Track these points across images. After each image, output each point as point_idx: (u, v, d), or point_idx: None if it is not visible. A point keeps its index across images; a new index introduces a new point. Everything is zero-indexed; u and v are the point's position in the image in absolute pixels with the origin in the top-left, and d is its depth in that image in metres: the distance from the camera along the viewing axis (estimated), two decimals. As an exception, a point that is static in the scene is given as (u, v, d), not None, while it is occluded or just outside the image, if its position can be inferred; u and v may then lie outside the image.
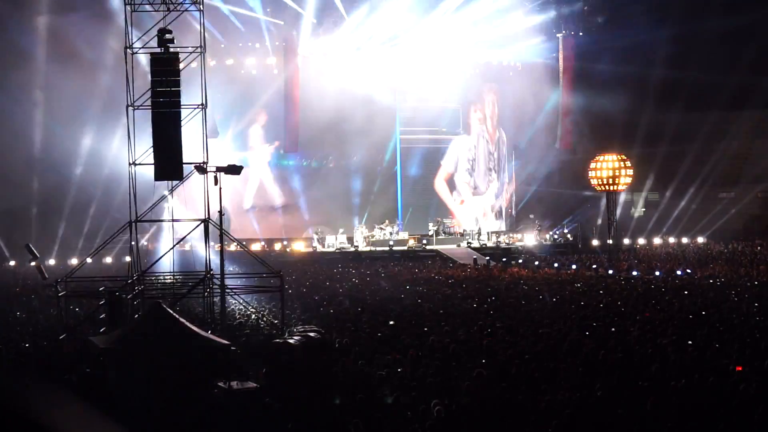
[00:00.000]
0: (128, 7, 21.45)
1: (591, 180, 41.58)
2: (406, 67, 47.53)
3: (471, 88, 49.80)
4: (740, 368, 13.37)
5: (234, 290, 21.29)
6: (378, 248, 42.33)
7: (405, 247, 42.64)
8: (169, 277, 21.84)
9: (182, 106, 20.60)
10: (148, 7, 21.80)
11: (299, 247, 43.40)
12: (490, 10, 46.24)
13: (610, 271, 32.52)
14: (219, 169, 20.38)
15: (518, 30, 47.94)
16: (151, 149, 20.52)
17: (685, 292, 24.53)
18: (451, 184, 50.14)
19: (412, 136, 49.06)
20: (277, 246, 43.46)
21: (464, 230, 45.99)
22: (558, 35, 49.56)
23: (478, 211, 50.11)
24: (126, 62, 21.14)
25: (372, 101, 45.47)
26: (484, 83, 50.44)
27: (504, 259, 38.99)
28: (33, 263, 23.12)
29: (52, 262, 38.47)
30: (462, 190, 50.37)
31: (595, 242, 44.99)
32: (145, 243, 38.25)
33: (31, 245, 22.92)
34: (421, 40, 46.75)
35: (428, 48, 47.06)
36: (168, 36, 20.40)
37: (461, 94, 49.35)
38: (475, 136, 50.40)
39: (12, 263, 39.49)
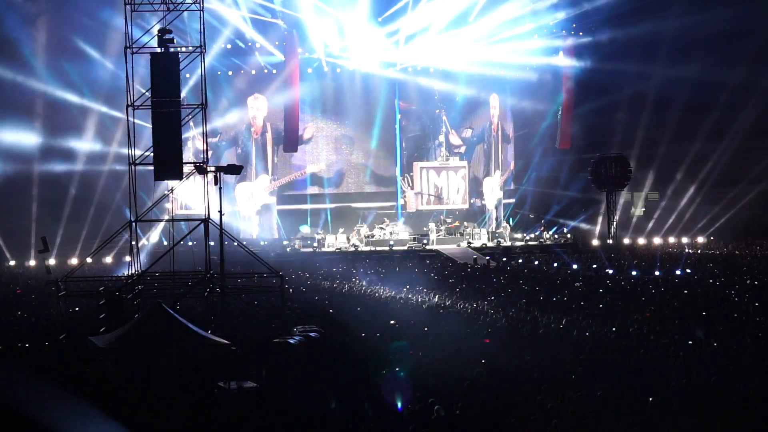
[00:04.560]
0: (128, 7, 21.45)
1: (591, 180, 41.56)
2: (406, 67, 47.68)
3: (472, 87, 49.75)
4: None
5: (234, 290, 21.27)
6: (378, 248, 42.31)
7: (405, 247, 42.62)
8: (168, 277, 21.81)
9: (182, 106, 20.60)
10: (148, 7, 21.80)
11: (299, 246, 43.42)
12: (493, 12, 46.28)
13: (610, 271, 32.48)
14: (219, 169, 20.36)
15: (519, 29, 47.84)
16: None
17: (685, 292, 24.52)
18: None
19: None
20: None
21: (464, 227, 45.83)
22: (559, 35, 49.45)
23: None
24: (126, 62, 21.13)
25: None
26: (485, 83, 50.33)
27: (504, 259, 38.95)
28: (41, 254, 23.46)
29: (52, 261, 38.39)
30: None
31: (595, 242, 44.94)
32: (146, 243, 38.21)
33: (46, 239, 23.24)
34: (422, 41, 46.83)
35: (429, 48, 47.07)
36: (168, 36, 20.38)
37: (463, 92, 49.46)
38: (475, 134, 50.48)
39: (12, 263, 39.41)
